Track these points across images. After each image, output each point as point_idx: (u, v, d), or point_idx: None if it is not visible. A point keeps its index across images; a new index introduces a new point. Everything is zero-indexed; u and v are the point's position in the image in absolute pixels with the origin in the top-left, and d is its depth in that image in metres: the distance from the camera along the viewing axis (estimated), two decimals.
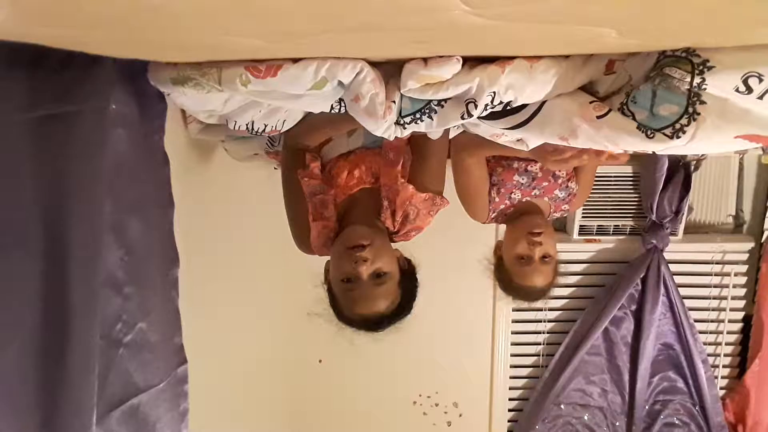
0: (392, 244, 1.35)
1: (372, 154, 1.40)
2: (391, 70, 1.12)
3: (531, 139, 1.24)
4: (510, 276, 1.61)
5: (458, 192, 1.67)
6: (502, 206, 1.67)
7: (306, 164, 1.37)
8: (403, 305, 1.29)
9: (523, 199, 1.65)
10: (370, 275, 1.22)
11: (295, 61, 1.00)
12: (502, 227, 1.74)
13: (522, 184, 1.63)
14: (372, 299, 1.23)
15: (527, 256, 1.54)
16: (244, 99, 1.21)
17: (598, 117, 1.05)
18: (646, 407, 2.53)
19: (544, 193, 1.65)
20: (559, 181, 1.63)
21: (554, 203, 1.68)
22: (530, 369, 2.63)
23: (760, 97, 0.91)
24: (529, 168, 1.61)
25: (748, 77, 0.90)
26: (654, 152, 1.05)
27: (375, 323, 1.28)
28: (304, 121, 1.35)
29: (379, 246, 1.23)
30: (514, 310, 2.55)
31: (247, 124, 1.27)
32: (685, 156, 2.23)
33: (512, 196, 1.65)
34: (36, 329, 0.86)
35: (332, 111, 1.16)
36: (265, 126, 1.30)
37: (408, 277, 1.32)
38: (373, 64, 1.07)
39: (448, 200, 1.41)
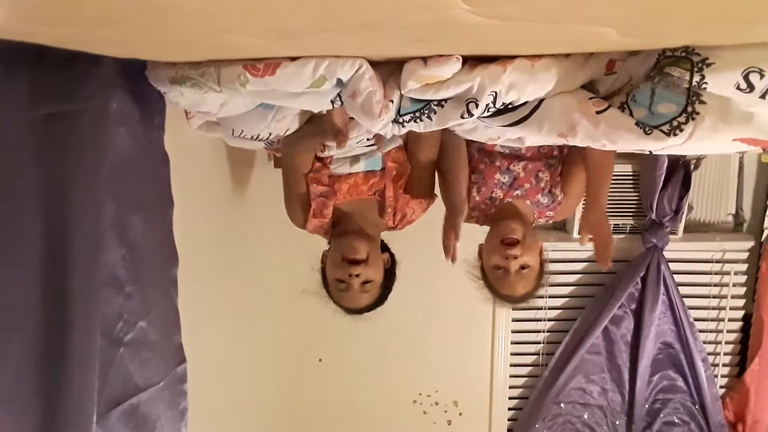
0: (388, 231, 1.59)
1: (374, 176, 1.52)
2: (391, 70, 1.12)
3: (529, 137, 1.24)
4: (490, 282, 1.58)
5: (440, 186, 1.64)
6: (483, 205, 1.62)
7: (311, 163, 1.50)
8: (380, 300, 1.52)
9: (505, 200, 1.59)
10: (360, 285, 1.43)
11: (294, 59, 1.00)
12: None
13: (503, 183, 1.57)
14: (357, 300, 1.47)
15: (503, 267, 1.51)
16: (243, 106, 1.22)
17: (597, 112, 1.05)
18: (646, 406, 2.53)
19: (526, 196, 1.59)
20: (542, 184, 1.58)
21: (537, 209, 1.61)
22: (530, 368, 2.64)
23: (762, 96, 0.91)
24: (511, 167, 1.56)
25: (748, 73, 0.90)
26: (651, 152, 1.05)
27: (355, 312, 1.53)
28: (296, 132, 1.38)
29: (371, 260, 1.43)
30: (513, 309, 2.55)
31: (252, 135, 1.32)
32: (685, 155, 2.23)
33: (493, 195, 1.60)
34: (37, 329, 0.86)
35: (333, 107, 1.16)
36: (270, 134, 1.34)
37: (389, 277, 1.53)
38: (374, 65, 1.07)
39: (437, 195, 1.58)
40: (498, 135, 1.34)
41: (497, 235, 1.52)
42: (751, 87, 0.91)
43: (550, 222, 1.73)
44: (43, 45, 0.82)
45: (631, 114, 1.03)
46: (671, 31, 0.88)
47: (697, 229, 2.48)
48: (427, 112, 1.14)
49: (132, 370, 1.03)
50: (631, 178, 2.37)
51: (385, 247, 1.58)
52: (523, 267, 1.50)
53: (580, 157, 1.48)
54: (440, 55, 1.03)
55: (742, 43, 0.90)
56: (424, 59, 1.05)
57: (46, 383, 0.86)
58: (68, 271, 0.88)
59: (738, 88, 0.91)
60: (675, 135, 0.97)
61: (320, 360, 2.59)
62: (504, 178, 1.58)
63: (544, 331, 2.59)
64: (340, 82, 1.07)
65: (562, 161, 1.60)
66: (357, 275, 1.40)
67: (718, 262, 2.47)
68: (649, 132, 0.99)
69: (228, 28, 0.80)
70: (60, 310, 0.87)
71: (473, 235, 2.16)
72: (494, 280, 1.56)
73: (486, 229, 1.63)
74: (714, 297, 2.51)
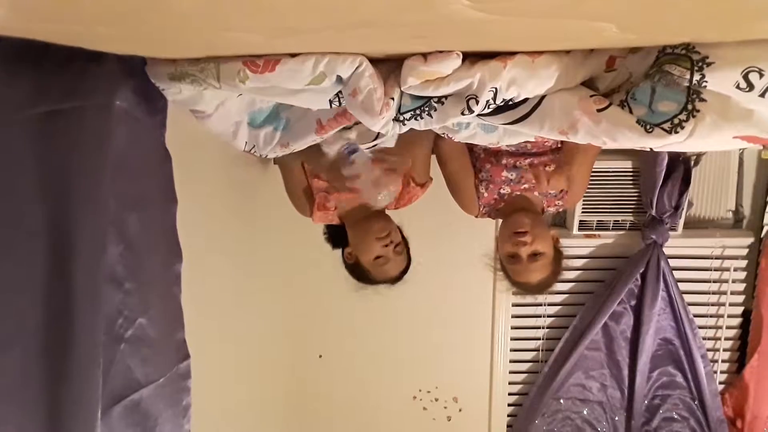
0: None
1: None
2: (391, 67, 1.12)
3: (530, 134, 1.24)
4: (507, 272, 1.63)
5: (446, 184, 1.70)
6: (492, 201, 1.67)
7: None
8: (409, 259, 1.71)
9: (513, 194, 1.64)
10: (394, 250, 1.62)
11: (294, 56, 1.00)
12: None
13: (511, 179, 1.62)
14: (397, 265, 1.65)
15: (515, 254, 1.55)
16: (237, 111, 1.23)
17: (599, 110, 1.05)
18: (646, 402, 2.53)
19: (534, 188, 1.63)
20: None
21: (546, 199, 1.66)
22: (530, 364, 2.64)
23: (762, 95, 0.91)
24: (517, 164, 1.60)
25: (748, 72, 0.90)
26: (652, 149, 1.05)
27: (397, 279, 1.69)
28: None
29: (393, 229, 1.63)
30: (513, 305, 2.56)
31: (261, 155, 1.36)
32: (685, 151, 2.23)
33: (501, 191, 1.65)
34: (41, 325, 0.86)
35: (331, 106, 1.16)
36: (276, 154, 1.37)
37: (405, 241, 1.71)
38: (373, 62, 1.07)
39: (432, 178, 1.71)
40: (497, 140, 1.36)
41: (508, 228, 1.57)
42: (750, 86, 0.91)
43: (560, 210, 1.77)
44: (45, 42, 0.82)
45: (631, 112, 1.03)
46: (671, 28, 0.88)
47: (696, 226, 2.48)
48: (427, 109, 1.14)
49: (133, 366, 1.03)
50: (630, 174, 2.37)
51: None
52: (535, 254, 1.54)
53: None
54: (440, 52, 1.03)
55: (741, 39, 0.90)
56: (424, 56, 1.05)
57: (51, 380, 0.87)
58: (71, 268, 0.89)
59: (738, 87, 0.92)
60: (676, 133, 0.97)
61: (320, 356, 2.59)
62: (511, 174, 1.61)
63: (543, 327, 2.60)
64: (339, 79, 1.06)
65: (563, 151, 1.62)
66: (391, 242, 1.60)
67: (717, 258, 2.47)
68: (651, 130, 0.99)
69: (228, 25, 0.80)
70: (63, 307, 0.88)
71: (483, 231, 2.18)
72: (510, 269, 1.61)
73: None
74: (713, 293, 2.51)
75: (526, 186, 1.63)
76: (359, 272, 1.67)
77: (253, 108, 1.29)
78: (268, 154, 1.35)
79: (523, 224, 1.53)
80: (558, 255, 1.61)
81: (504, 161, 1.61)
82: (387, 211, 1.69)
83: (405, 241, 1.70)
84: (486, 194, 1.66)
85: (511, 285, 1.67)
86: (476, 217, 1.72)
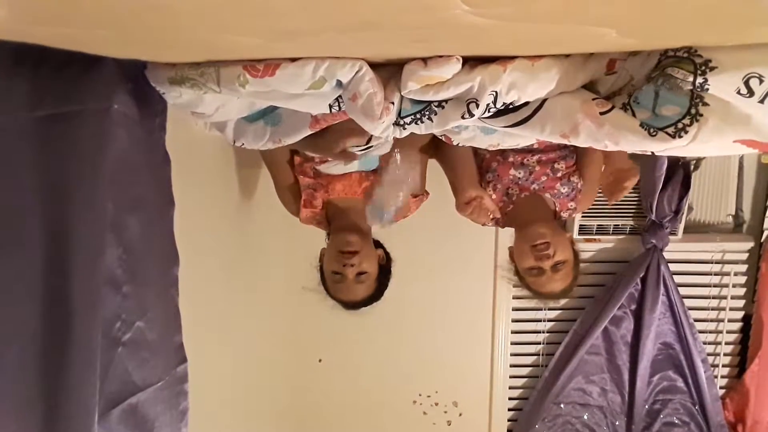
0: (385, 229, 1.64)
1: (367, 179, 1.59)
2: (391, 72, 1.12)
3: (531, 137, 1.24)
4: (527, 283, 1.58)
5: (453, 190, 1.65)
6: (500, 204, 1.61)
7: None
8: (376, 295, 1.59)
9: (522, 195, 1.59)
10: (354, 275, 1.51)
11: (294, 60, 1.00)
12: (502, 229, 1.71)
13: (519, 178, 1.57)
14: (352, 291, 1.54)
15: (537, 268, 1.50)
16: (238, 111, 1.23)
17: (601, 113, 1.05)
18: (646, 406, 2.53)
19: (544, 189, 1.58)
20: (559, 174, 1.57)
21: (558, 200, 1.60)
22: (530, 368, 2.64)
23: (761, 101, 0.91)
24: (525, 161, 1.56)
25: (749, 78, 0.90)
26: (653, 153, 1.05)
27: (351, 306, 1.59)
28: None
29: (364, 253, 1.52)
30: (514, 309, 2.55)
31: (252, 148, 1.35)
32: (685, 156, 2.23)
33: (509, 192, 1.60)
34: (38, 328, 0.86)
35: (331, 111, 1.16)
36: (268, 149, 1.37)
37: (384, 273, 1.60)
38: (374, 66, 1.07)
39: (429, 192, 1.65)
40: (498, 141, 1.35)
41: (526, 241, 1.52)
42: (750, 92, 0.91)
43: (573, 216, 1.72)
44: (43, 46, 0.82)
45: (633, 115, 1.02)
46: (671, 32, 0.89)
47: (696, 230, 2.48)
48: (427, 113, 1.14)
49: (130, 369, 1.03)
50: None
51: (378, 244, 1.65)
52: (557, 263, 1.50)
53: None
54: (440, 56, 1.03)
55: (742, 44, 0.90)
56: (424, 60, 1.05)
57: (48, 383, 0.86)
58: (69, 272, 0.88)
59: (739, 92, 0.92)
60: (680, 137, 0.97)
61: (320, 360, 2.59)
62: (519, 173, 1.57)
63: (543, 332, 2.59)
64: (339, 83, 1.06)
65: (577, 149, 1.60)
66: (352, 265, 1.49)
67: (717, 262, 2.47)
68: (654, 134, 0.99)
69: (227, 28, 0.80)
70: (61, 311, 0.87)
71: (484, 236, 2.15)
72: (531, 281, 1.55)
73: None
74: (714, 298, 2.51)
75: (535, 186, 1.58)
76: (322, 276, 1.61)
77: (252, 109, 1.29)
78: (259, 148, 1.35)
79: (543, 235, 1.48)
80: (576, 259, 1.58)
81: (511, 159, 1.56)
82: (386, 235, 1.66)
83: (382, 277, 1.59)
84: (494, 196, 1.60)
85: (532, 294, 1.61)
86: (482, 225, 1.67)
